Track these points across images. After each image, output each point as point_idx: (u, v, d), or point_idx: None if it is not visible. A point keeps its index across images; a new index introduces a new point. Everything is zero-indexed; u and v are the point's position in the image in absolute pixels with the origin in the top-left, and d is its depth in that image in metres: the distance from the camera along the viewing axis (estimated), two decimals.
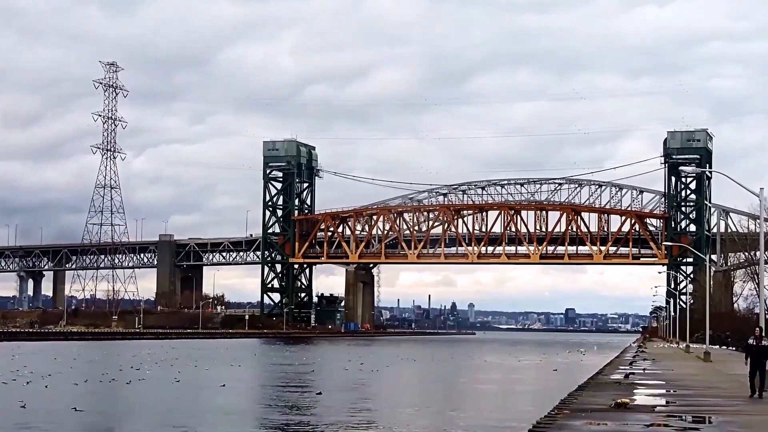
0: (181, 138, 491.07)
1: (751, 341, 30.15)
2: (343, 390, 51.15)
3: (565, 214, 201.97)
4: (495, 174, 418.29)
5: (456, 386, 57.63)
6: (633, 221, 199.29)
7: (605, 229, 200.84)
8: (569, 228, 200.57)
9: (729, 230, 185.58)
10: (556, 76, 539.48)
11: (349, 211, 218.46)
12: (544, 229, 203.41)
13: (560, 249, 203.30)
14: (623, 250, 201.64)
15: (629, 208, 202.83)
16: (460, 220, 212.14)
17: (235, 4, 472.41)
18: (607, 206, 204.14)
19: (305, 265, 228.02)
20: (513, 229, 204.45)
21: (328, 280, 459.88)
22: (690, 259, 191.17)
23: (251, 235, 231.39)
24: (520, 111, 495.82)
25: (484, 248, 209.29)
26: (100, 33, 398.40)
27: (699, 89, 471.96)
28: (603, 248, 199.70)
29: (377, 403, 42.95)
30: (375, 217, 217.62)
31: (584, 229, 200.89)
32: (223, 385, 51.46)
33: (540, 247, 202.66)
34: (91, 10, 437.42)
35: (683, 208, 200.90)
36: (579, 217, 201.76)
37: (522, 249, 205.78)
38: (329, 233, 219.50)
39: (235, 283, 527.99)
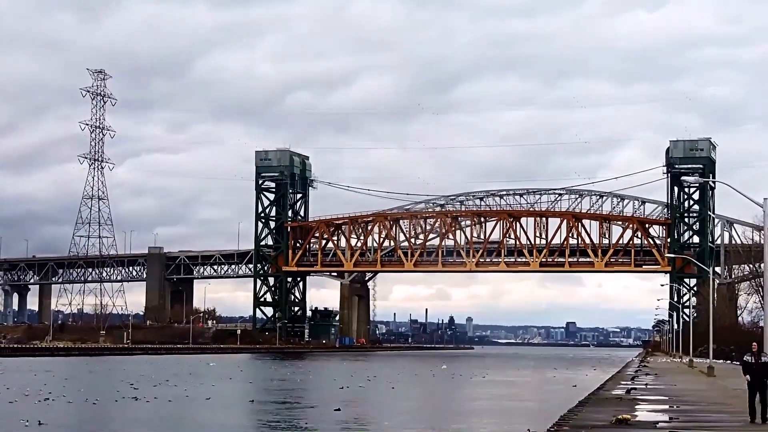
0: (162, 147, 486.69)
1: (748, 358, 27.94)
2: (358, 406, 51.59)
3: (565, 221, 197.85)
4: (488, 184, 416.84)
5: (457, 402, 57.42)
6: (635, 228, 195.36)
7: (606, 237, 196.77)
8: (570, 235, 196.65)
9: (733, 242, 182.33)
10: (545, 83, 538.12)
11: (344, 218, 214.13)
12: (544, 237, 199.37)
13: (560, 259, 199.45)
14: (625, 259, 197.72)
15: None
16: (458, 231, 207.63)
17: (214, 11, 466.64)
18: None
19: (299, 278, 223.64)
20: (512, 236, 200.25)
21: (323, 294, 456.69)
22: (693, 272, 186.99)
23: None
24: (510, 119, 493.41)
25: (482, 258, 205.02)
26: (75, 40, 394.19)
27: (693, 97, 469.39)
28: (604, 258, 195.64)
29: (384, 419, 43.04)
30: (370, 226, 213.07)
31: (585, 239, 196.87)
32: (252, 401, 52.71)
33: (540, 256, 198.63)
34: (65, 17, 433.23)
35: (686, 219, 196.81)
36: (580, 224, 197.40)
37: (521, 259, 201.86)
38: (323, 241, 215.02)
39: (226, 296, 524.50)
